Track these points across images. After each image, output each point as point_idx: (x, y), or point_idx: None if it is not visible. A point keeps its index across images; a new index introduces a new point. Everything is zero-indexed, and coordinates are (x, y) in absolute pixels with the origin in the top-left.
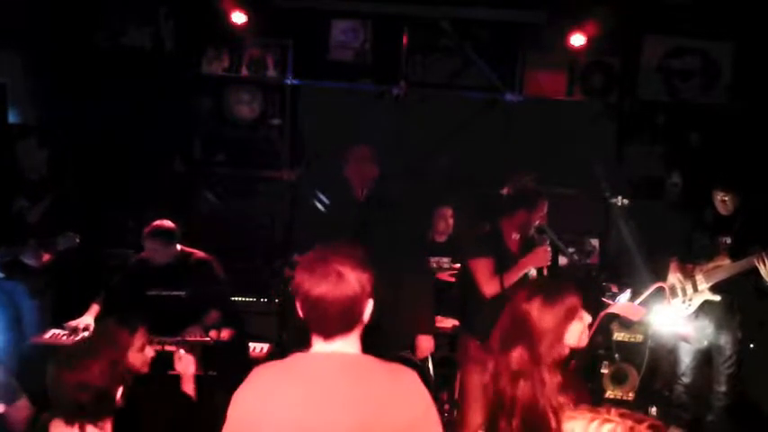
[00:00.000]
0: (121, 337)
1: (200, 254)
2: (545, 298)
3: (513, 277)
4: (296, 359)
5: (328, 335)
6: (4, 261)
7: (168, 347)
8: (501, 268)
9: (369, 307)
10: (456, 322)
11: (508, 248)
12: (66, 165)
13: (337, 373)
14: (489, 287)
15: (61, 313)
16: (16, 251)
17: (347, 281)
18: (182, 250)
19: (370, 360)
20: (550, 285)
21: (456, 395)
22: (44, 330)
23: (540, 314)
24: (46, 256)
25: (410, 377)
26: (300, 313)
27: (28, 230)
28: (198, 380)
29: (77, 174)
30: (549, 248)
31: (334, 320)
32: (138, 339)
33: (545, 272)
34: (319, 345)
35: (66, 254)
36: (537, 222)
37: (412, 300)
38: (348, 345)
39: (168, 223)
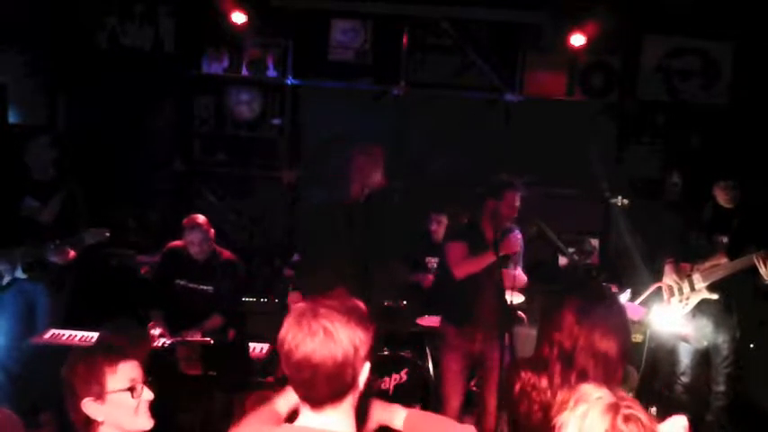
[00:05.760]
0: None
1: (228, 253)
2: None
3: (482, 262)
4: None
5: (315, 404)
6: (26, 261)
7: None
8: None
9: (364, 371)
10: None
11: (486, 238)
12: (73, 164)
13: None
14: (458, 269)
15: (72, 313)
16: (40, 251)
17: (336, 340)
18: (214, 248)
19: None
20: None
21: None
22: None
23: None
24: (72, 253)
25: None
26: (285, 372)
27: (43, 230)
28: (198, 380)
29: (77, 173)
30: (519, 236)
31: (322, 387)
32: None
33: (515, 259)
34: (307, 415)
35: (92, 250)
36: (506, 212)
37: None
38: (340, 418)
39: (202, 217)
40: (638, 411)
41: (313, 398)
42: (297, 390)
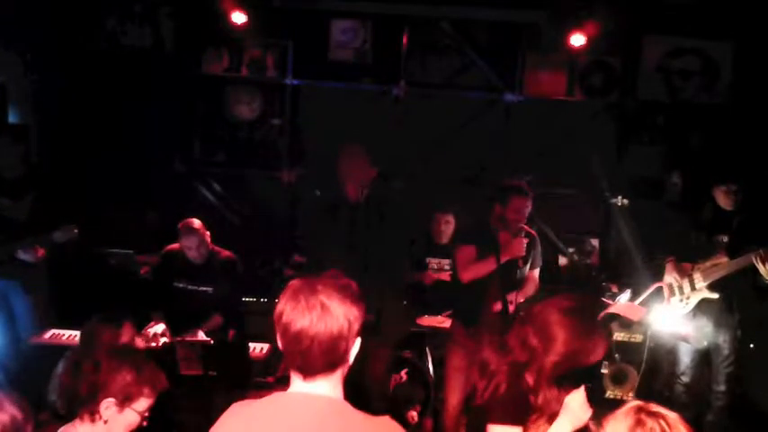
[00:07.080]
0: (106, 335)
1: (226, 253)
2: (581, 323)
3: (486, 266)
4: (274, 399)
5: (309, 374)
6: None
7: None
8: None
9: (356, 346)
10: None
11: (495, 241)
12: (47, 159)
13: (315, 420)
14: (465, 273)
15: (62, 312)
16: (10, 248)
17: (333, 315)
18: (211, 248)
19: (352, 411)
20: (591, 315)
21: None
22: (42, 329)
23: (567, 334)
24: (41, 252)
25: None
26: (280, 345)
27: (19, 228)
28: (198, 380)
29: (77, 173)
30: (524, 240)
31: (317, 358)
32: (125, 334)
33: (520, 263)
34: (299, 384)
35: (65, 248)
36: (512, 218)
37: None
38: (331, 387)
39: (198, 221)
40: (663, 411)
41: (307, 368)
42: (292, 360)
